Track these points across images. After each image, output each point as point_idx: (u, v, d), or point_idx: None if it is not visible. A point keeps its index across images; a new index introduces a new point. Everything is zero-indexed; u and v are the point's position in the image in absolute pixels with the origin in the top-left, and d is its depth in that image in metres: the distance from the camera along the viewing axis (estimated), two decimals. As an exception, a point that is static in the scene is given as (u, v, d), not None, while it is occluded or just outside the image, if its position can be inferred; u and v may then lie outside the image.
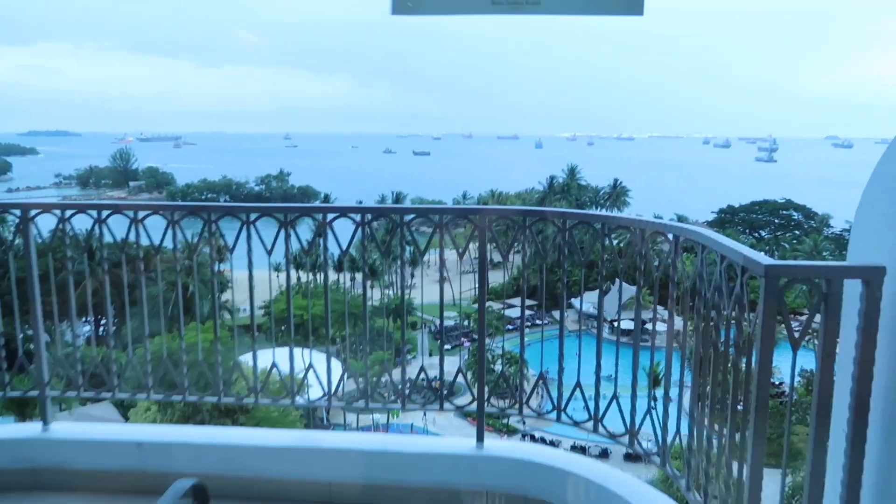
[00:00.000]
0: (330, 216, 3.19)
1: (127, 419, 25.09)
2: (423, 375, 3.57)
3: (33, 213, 3.24)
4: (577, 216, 3.13)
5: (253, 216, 3.16)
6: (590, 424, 3.17)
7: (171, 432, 3.44)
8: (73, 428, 3.51)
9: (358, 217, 3.18)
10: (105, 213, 3.22)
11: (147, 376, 3.41)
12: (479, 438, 3.25)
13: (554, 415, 3.29)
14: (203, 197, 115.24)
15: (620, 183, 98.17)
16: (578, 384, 3.20)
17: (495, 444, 3.24)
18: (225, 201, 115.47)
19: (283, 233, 3.16)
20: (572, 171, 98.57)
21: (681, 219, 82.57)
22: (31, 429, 3.41)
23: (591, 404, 3.20)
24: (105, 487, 3.28)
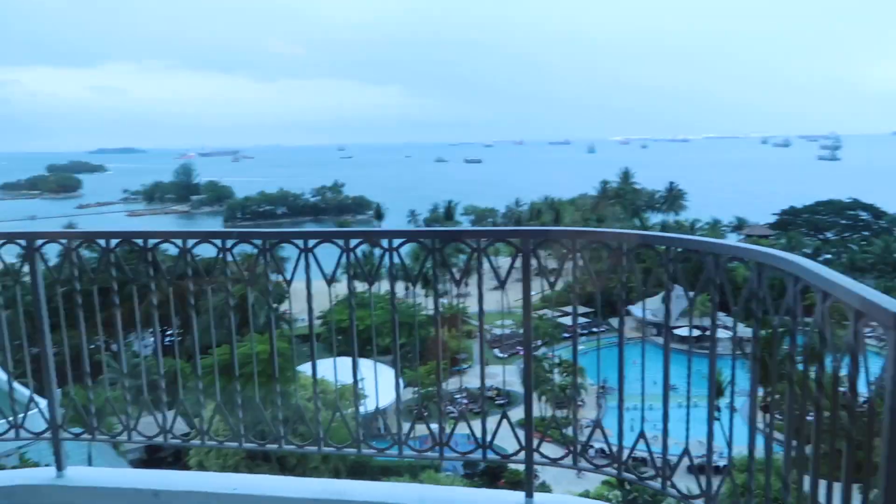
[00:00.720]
0: (354, 242, 2.96)
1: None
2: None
3: (39, 242, 3.14)
4: (639, 238, 2.79)
5: (270, 243, 3.03)
6: (657, 482, 2.78)
7: (191, 480, 3.28)
8: (89, 473, 3.40)
9: (385, 243, 2.93)
10: (113, 241, 3.09)
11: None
12: (528, 493, 2.92)
13: (614, 469, 2.90)
14: (261, 209, 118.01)
15: (676, 186, 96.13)
16: (642, 434, 2.84)
17: (546, 499, 2.97)
18: (282, 213, 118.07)
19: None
20: (626, 175, 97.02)
21: (741, 221, 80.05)
22: (45, 474, 3.29)
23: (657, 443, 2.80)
24: None
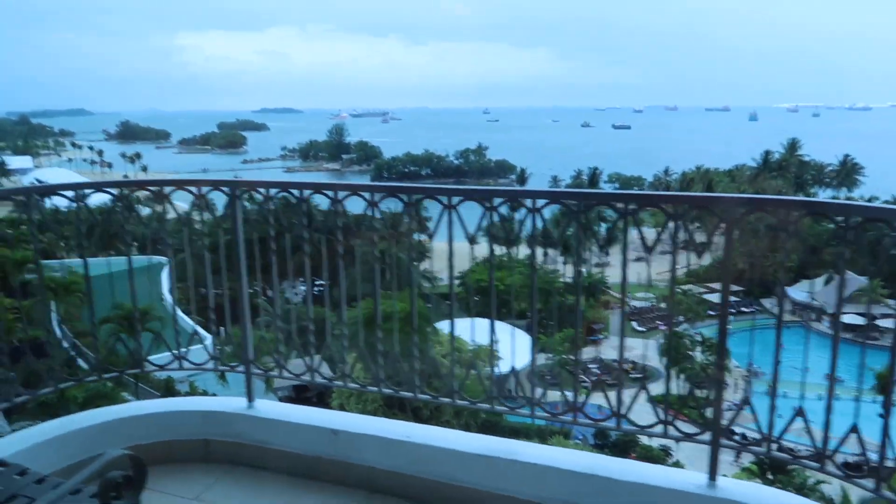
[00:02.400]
0: (497, 201, 2.93)
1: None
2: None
3: (240, 191, 3.39)
4: (816, 207, 2.51)
5: (415, 197, 3.08)
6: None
7: (367, 423, 3.38)
8: (274, 407, 3.64)
9: (529, 203, 2.88)
10: (306, 192, 3.27)
11: (345, 363, 3.43)
12: (712, 476, 2.76)
13: (815, 462, 2.60)
14: (406, 170, 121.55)
15: (852, 159, 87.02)
16: (801, 412, 2.58)
17: (732, 486, 2.76)
18: (426, 174, 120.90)
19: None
20: (792, 145, 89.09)
21: (928, 202, 71.07)
22: (238, 404, 3.57)
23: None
24: (301, 471, 3.34)
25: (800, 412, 2.62)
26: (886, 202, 64.73)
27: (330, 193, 3.20)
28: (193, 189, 3.41)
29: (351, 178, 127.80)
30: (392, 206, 3.23)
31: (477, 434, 3.30)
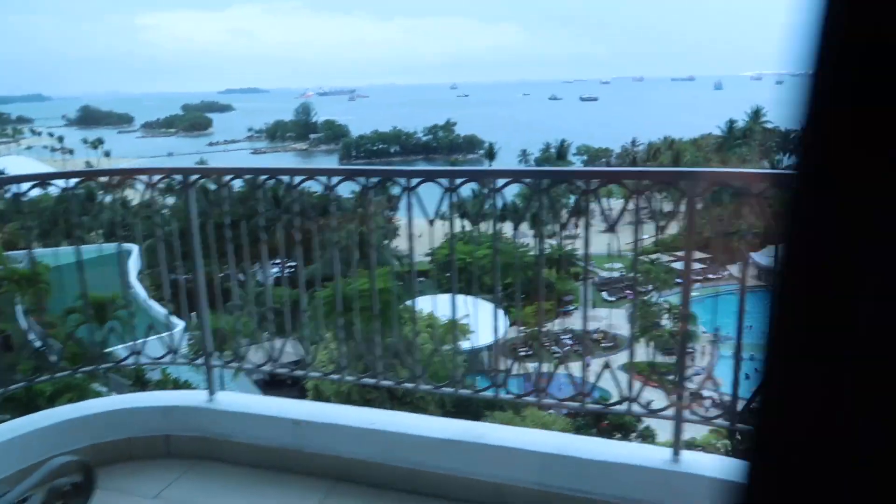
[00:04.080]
0: (458, 181, 2.93)
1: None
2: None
3: (193, 177, 3.33)
4: (770, 179, 2.51)
5: (372, 181, 3.04)
6: None
7: (331, 412, 3.37)
8: (236, 399, 3.60)
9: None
10: (262, 177, 3.23)
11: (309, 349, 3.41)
12: (676, 451, 2.83)
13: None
14: (375, 148, 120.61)
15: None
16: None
17: (695, 459, 2.81)
18: (395, 151, 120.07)
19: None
20: (757, 113, 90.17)
21: None
22: (199, 397, 3.55)
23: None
24: (265, 463, 3.31)
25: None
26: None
27: (286, 179, 3.14)
28: (145, 178, 3.32)
29: (319, 158, 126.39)
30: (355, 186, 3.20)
31: (443, 418, 3.29)
